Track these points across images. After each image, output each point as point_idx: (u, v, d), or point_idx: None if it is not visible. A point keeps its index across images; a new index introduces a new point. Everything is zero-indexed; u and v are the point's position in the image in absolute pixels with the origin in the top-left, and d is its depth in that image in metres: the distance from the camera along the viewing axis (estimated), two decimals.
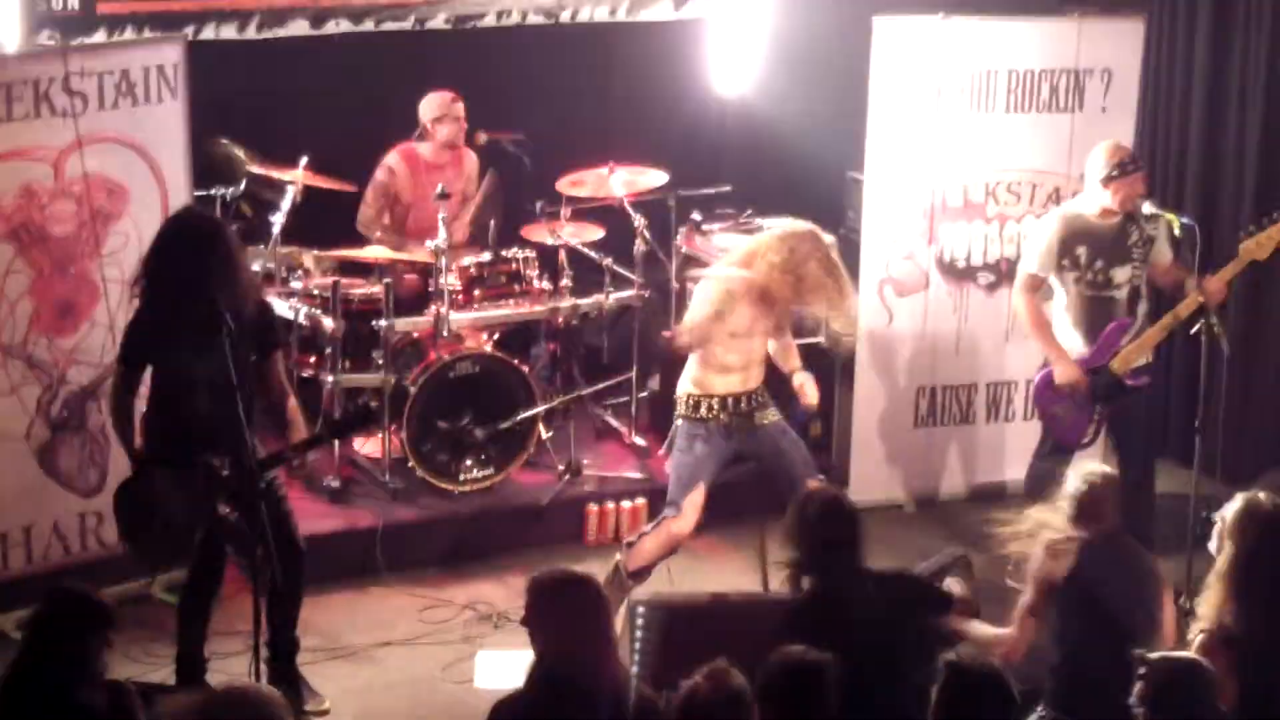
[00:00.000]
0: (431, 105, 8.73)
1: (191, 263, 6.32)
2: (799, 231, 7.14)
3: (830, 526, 5.80)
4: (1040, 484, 7.82)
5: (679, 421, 7.28)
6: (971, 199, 8.62)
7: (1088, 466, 6.38)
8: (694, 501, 7.21)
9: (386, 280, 8.24)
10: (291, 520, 6.74)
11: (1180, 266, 7.76)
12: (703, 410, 7.18)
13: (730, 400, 7.17)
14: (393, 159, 8.75)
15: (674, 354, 7.64)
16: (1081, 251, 7.60)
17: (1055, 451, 7.85)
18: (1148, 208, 7.66)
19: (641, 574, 7.31)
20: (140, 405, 6.62)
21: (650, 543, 7.30)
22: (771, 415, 7.29)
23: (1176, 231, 7.51)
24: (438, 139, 8.73)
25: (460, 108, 8.74)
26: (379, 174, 8.74)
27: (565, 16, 9.22)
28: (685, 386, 7.26)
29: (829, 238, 7.39)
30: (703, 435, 7.19)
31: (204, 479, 6.34)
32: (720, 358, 7.15)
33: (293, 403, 6.77)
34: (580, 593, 4.93)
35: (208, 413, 6.36)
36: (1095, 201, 7.62)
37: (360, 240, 8.59)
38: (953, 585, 6.24)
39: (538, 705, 4.82)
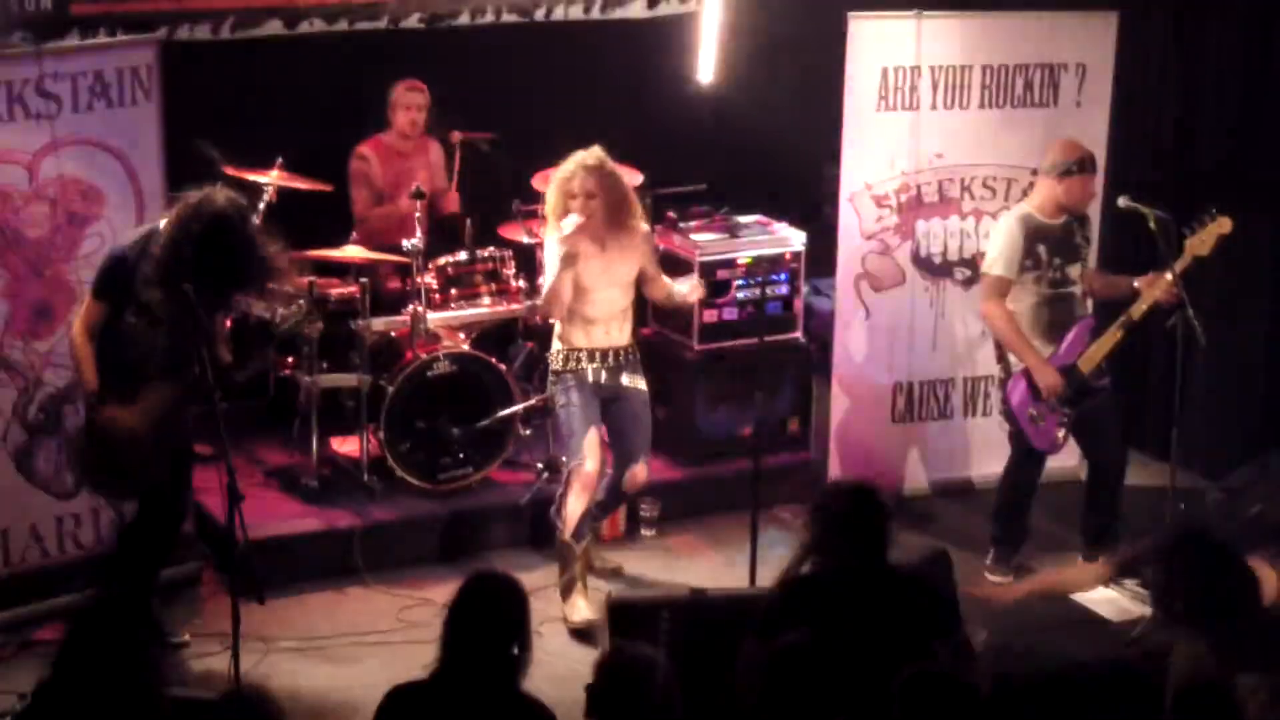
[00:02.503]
0: (390, 94, 8.78)
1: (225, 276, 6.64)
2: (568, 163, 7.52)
3: (853, 512, 5.69)
4: (1015, 499, 7.90)
5: (551, 380, 7.61)
6: (947, 194, 8.64)
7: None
8: (590, 444, 7.47)
9: (363, 280, 8.25)
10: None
11: (1103, 274, 7.91)
12: (570, 364, 7.50)
13: (597, 354, 7.50)
14: (364, 148, 8.84)
15: (544, 323, 7.98)
16: (1042, 250, 7.68)
17: (1029, 459, 7.89)
18: (1123, 202, 7.70)
19: (580, 532, 7.51)
20: None
21: (571, 501, 7.47)
22: (639, 383, 7.62)
23: (1152, 226, 7.54)
24: (395, 127, 8.78)
25: (416, 97, 8.78)
26: (354, 164, 8.81)
27: (540, 15, 9.20)
28: (554, 345, 7.61)
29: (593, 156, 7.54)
30: (574, 385, 7.48)
31: (170, 408, 6.61)
32: (581, 313, 7.46)
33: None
34: (495, 595, 4.98)
35: (166, 346, 6.60)
36: (1046, 199, 7.69)
37: (336, 240, 8.58)
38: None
39: (433, 698, 4.89)
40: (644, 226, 7.74)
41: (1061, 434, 7.78)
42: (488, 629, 4.89)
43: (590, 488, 7.50)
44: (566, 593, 7.50)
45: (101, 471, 6.84)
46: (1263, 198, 8.70)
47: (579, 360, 7.50)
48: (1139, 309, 7.62)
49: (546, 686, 6.91)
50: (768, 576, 7.39)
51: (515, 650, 4.91)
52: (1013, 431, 7.90)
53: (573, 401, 7.50)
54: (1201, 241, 7.55)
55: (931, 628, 5.62)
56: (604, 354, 7.52)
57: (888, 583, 5.63)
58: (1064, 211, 7.71)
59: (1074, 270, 7.73)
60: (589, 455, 7.45)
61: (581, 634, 7.39)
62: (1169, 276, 7.49)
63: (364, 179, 8.81)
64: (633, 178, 8.80)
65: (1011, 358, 7.77)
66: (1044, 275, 7.69)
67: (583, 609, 7.44)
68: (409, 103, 8.79)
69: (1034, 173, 7.95)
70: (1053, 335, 7.72)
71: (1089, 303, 7.85)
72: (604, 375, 7.51)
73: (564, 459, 7.66)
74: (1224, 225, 7.55)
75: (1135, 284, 7.67)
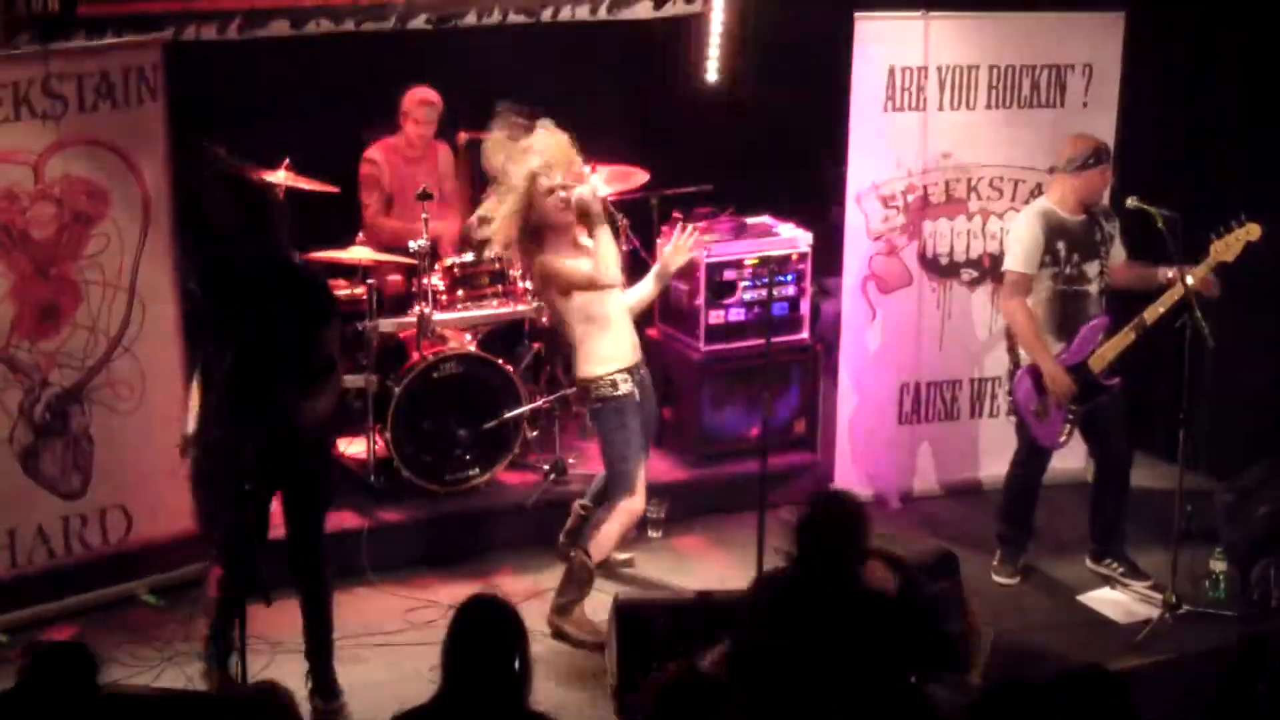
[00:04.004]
0: (404, 100, 8.80)
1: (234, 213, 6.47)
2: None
3: (829, 527, 5.61)
4: (1021, 496, 7.89)
5: (599, 406, 7.33)
6: (954, 195, 8.62)
7: None
8: (643, 477, 7.35)
9: (370, 281, 8.24)
10: (319, 527, 6.85)
11: (1135, 266, 7.84)
12: (621, 387, 7.27)
13: (634, 370, 7.32)
14: (373, 151, 8.85)
15: (552, 326, 7.67)
16: (1060, 247, 7.65)
17: (1034, 453, 7.87)
18: (1131, 202, 7.68)
19: (606, 562, 7.43)
20: None
21: (613, 527, 7.36)
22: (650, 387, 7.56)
23: (1161, 225, 7.52)
24: (404, 133, 8.81)
25: (429, 111, 8.81)
26: (364, 168, 8.81)
27: (546, 15, 9.18)
28: (594, 369, 7.31)
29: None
30: (630, 409, 7.30)
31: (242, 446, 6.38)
32: (603, 318, 7.25)
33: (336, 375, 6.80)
34: (491, 620, 4.96)
35: (240, 378, 6.39)
36: (1066, 194, 7.67)
37: (344, 242, 8.58)
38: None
39: None
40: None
41: (1065, 431, 7.76)
42: (486, 654, 4.87)
43: (634, 521, 7.47)
44: (565, 611, 7.34)
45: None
46: (1272, 198, 8.67)
47: (624, 382, 7.29)
48: (1153, 312, 7.58)
49: (553, 684, 6.92)
50: None
51: (516, 669, 4.89)
52: (1019, 424, 7.89)
53: (629, 427, 7.31)
54: (1227, 246, 7.50)
55: (903, 653, 5.38)
56: (633, 370, 7.34)
57: (858, 601, 5.48)
58: (1083, 207, 7.69)
59: (1091, 268, 7.70)
60: (640, 488, 7.33)
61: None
62: (1195, 275, 7.44)
63: (374, 184, 8.81)
64: (639, 177, 8.83)
65: (1022, 351, 7.75)
66: (1060, 272, 7.66)
67: (588, 622, 7.35)
68: (420, 116, 8.81)
69: (1050, 170, 7.93)
70: (1064, 332, 7.69)
71: (1104, 301, 7.80)
72: (638, 394, 7.34)
73: (609, 485, 7.49)
74: (1252, 232, 7.49)
75: (1166, 275, 7.62)
